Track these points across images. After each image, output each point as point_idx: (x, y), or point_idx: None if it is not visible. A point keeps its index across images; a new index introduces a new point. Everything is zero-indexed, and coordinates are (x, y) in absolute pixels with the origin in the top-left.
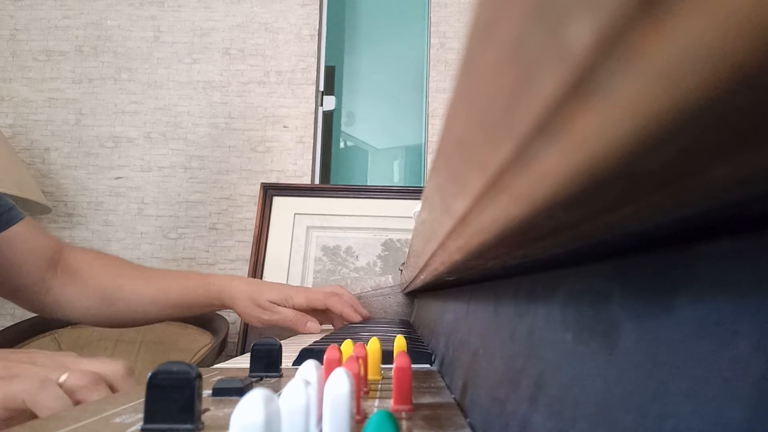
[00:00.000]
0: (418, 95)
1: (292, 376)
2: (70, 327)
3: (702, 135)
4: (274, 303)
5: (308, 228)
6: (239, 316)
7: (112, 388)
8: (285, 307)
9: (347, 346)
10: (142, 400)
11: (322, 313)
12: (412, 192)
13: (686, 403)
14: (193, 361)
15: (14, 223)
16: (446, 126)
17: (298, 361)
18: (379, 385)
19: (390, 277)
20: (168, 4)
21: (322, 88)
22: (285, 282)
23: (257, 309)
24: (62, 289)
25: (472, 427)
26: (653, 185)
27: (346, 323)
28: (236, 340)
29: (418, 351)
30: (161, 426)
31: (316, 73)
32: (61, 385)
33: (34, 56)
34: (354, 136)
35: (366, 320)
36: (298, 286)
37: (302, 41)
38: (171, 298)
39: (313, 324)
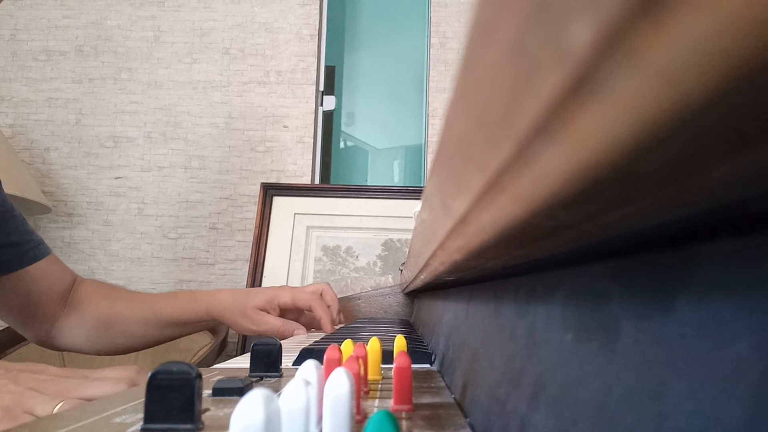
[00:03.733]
0: (418, 95)
1: (292, 376)
2: None
3: (702, 135)
4: (262, 309)
5: (308, 228)
6: (230, 327)
7: None
8: (273, 310)
9: (347, 346)
10: (142, 400)
11: (306, 313)
12: (412, 192)
13: (686, 403)
14: (193, 361)
15: (40, 259)
16: (446, 126)
17: (298, 361)
18: (379, 385)
19: (390, 277)
20: (168, 4)
21: (322, 88)
22: (285, 281)
23: (245, 319)
24: (66, 321)
25: (472, 427)
26: (653, 185)
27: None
28: (236, 340)
29: (418, 351)
30: (161, 426)
31: (316, 73)
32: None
33: (34, 56)
34: (354, 136)
35: (339, 322)
36: (283, 286)
37: (302, 41)
38: (163, 316)
39: (300, 330)
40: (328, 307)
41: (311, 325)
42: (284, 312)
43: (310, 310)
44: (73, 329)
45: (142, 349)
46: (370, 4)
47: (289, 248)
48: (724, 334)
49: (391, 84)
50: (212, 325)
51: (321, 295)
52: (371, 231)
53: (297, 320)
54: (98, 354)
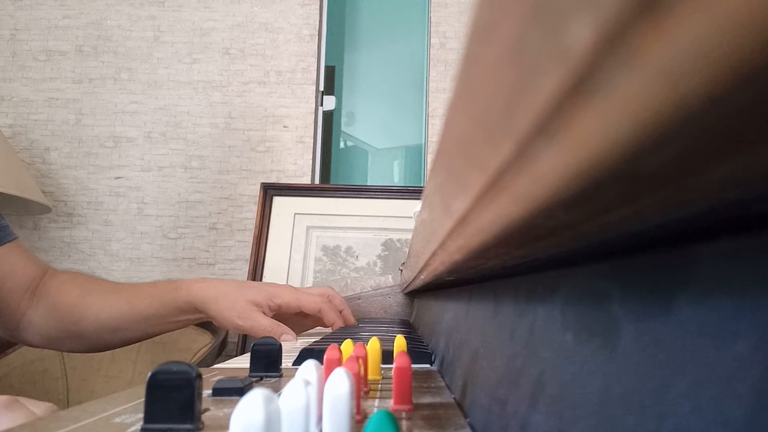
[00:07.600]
0: (418, 95)
1: (292, 376)
2: None
3: (702, 135)
4: (256, 304)
5: (308, 228)
6: (213, 321)
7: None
8: (268, 309)
9: (347, 346)
10: (142, 400)
11: (310, 318)
12: (412, 192)
13: (686, 402)
14: (193, 361)
15: (1, 245)
16: (446, 126)
17: (298, 361)
18: (379, 385)
19: (390, 277)
20: (168, 4)
21: (322, 88)
22: (285, 281)
23: (232, 312)
24: (34, 314)
25: (472, 427)
26: (653, 185)
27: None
28: (236, 340)
29: (418, 351)
30: (161, 426)
31: (316, 73)
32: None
33: (34, 56)
34: (354, 136)
35: (352, 325)
36: (284, 285)
37: (302, 41)
38: (139, 309)
39: (288, 336)
40: (341, 311)
41: (308, 326)
42: (280, 313)
43: (318, 314)
44: (42, 324)
45: (115, 348)
46: (370, 4)
47: (289, 248)
48: (724, 334)
49: (391, 84)
50: (198, 321)
51: (329, 298)
52: (371, 231)
53: (290, 321)
54: (71, 351)
